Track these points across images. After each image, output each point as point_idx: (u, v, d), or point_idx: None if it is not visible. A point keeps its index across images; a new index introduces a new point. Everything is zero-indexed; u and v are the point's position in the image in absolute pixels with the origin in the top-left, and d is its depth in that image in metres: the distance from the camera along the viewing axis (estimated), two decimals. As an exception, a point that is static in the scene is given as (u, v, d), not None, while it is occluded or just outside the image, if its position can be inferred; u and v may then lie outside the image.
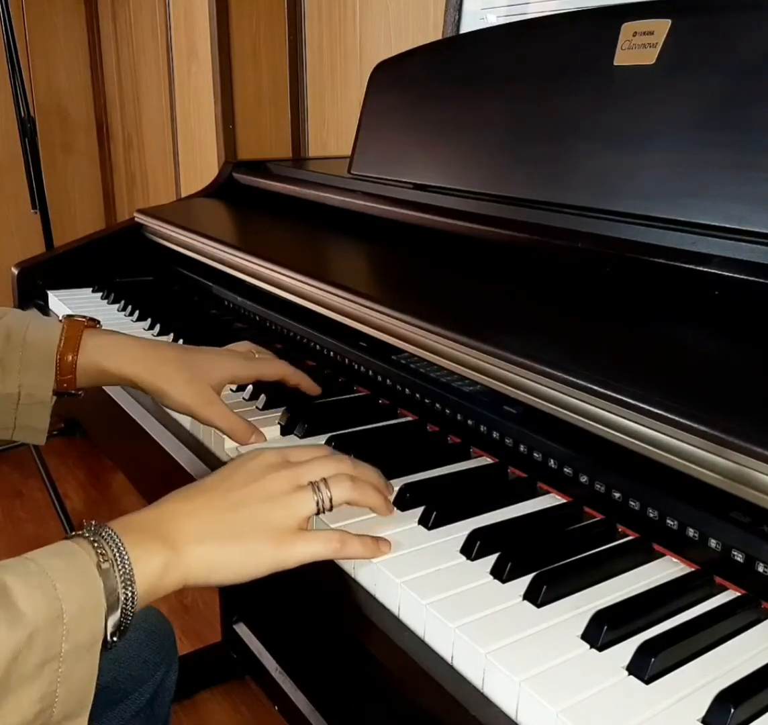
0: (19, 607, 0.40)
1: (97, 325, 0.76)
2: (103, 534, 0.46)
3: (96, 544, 0.45)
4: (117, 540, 0.46)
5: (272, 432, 0.73)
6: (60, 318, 0.75)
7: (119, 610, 0.45)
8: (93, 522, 0.47)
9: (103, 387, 0.89)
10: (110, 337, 0.75)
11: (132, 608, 0.45)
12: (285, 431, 0.73)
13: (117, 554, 0.45)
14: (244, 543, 0.50)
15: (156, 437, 0.79)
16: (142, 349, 0.73)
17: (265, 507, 0.51)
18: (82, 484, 2.43)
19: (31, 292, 1.25)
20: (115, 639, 0.45)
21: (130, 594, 0.45)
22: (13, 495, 2.35)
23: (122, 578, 0.45)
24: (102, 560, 0.45)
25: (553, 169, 0.75)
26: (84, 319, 0.75)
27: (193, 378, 0.71)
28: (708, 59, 0.65)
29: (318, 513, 0.53)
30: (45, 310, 1.22)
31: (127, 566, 0.45)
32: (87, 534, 0.46)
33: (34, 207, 2.25)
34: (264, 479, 0.53)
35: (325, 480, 0.54)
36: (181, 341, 0.96)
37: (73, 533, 0.47)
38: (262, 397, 0.78)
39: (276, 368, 0.77)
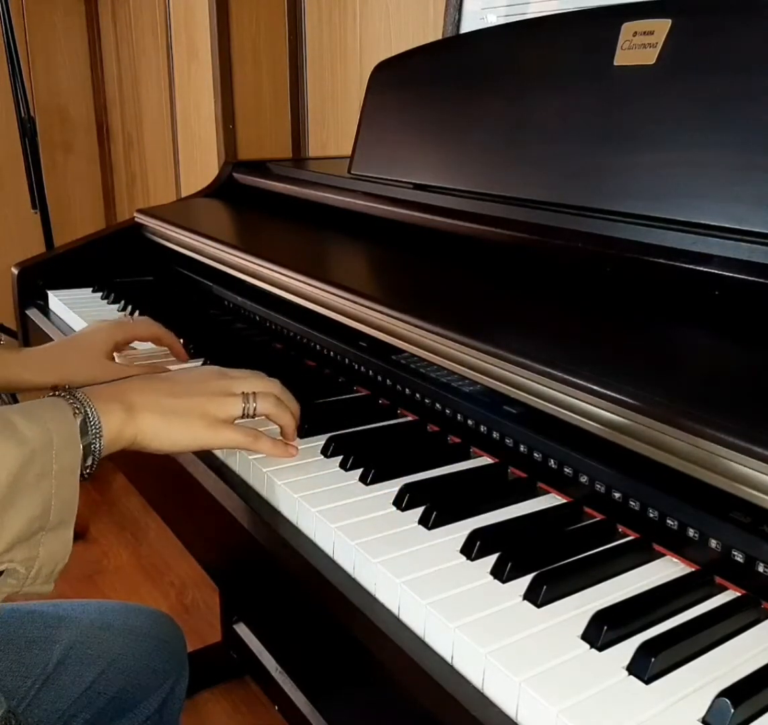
0: (23, 433, 0.53)
1: (0, 341, 0.84)
2: (76, 395, 0.59)
3: (71, 401, 0.59)
4: (87, 399, 0.59)
5: (272, 433, 0.73)
6: None
7: (89, 450, 0.58)
8: (66, 387, 0.61)
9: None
10: (15, 352, 0.85)
11: (99, 450, 0.59)
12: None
13: (88, 408, 0.59)
14: (182, 420, 0.63)
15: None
16: (44, 356, 0.85)
17: (202, 400, 0.64)
18: (82, 484, 2.43)
19: (31, 292, 1.25)
20: (88, 471, 0.59)
21: (98, 442, 0.59)
22: (13, 495, 2.34)
23: (92, 425, 0.58)
24: (77, 411, 0.58)
25: (553, 168, 0.75)
26: None
27: (90, 360, 0.83)
28: (708, 59, 0.65)
29: (243, 417, 0.66)
30: (45, 310, 1.22)
31: (95, 417, 0.59)
32: (63, 394, 0.59)
33: (34, 207, 2.24)
34: (205, 381, 0.66)
35: (255, 393, 0.66)
36: (181, 341, 0.96)
37: (53, 393, 0.60)
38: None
39: (148, 328, 0.90)
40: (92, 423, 0.58)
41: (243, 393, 0.66)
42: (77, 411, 0.58)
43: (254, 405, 0.66)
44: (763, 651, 0.45)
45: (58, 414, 0.57)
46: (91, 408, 0.59)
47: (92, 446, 0.58)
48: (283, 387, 0.69)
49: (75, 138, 2.75)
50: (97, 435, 0.59)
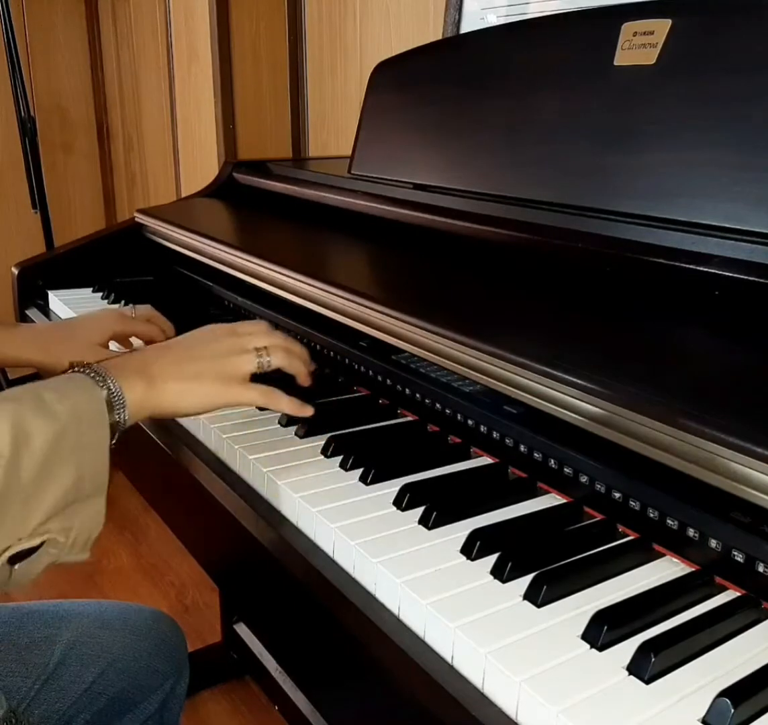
0: (55, 408, 0.55)
1: None
2: (97, 369, 0.61)
3: (92, 375, 0.60)
4: (108, 373, 0.61)
5: (272, 433, 0.73)
6: None
7: (114, 422, 0.60)
8: (85, 362, 0.62)
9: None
10: (5, 328, 0.85)
11: (124, 422, 0.60)
12: (285, 431, 0.73)
13: (110, 382, 0.60)
14: (201, 383, 0.65)
15: (153, 434, 0.79)
16: (32, 334, 0.86)
17: (217, 362, 0.66)
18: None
19: (31, 292, 1.25)
20: (113, 443, 0.59)
21: (123, 413, 0.60)
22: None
23: (116, 398, 0.60)
24: (100, 386, 0.59)
25: (553, 169, 0.75)
26: None
27: (81, 345, 0.83)
28: (708, 59, 0.65)
29: (258, 372, 0.68)
30: (45, 309, 1.22)
31: (119, 390, 0.60)
32: (84, 370, 0.60)
33: (34, 207, 2.25)
34: (216, 340, 0.68)
35: (266, 348, 0.69)
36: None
37: (74, 369, 0.61)
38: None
39: (147, 329, 0.89)
40: (116, 396, 0.60)
41: (255, 349, 0.68)
42: (101, 386, 0.59)
43: (268, 359, 0.68)
44: (763, 651, 0.45)
45: (84, 389, 0.58)
46: (113, 382, 0.60)
47: (117, 418, 0.60)
48: (286, 336, 0.72)
49: (75, 138, 2.75)
50: (122, 408, 0.60)
